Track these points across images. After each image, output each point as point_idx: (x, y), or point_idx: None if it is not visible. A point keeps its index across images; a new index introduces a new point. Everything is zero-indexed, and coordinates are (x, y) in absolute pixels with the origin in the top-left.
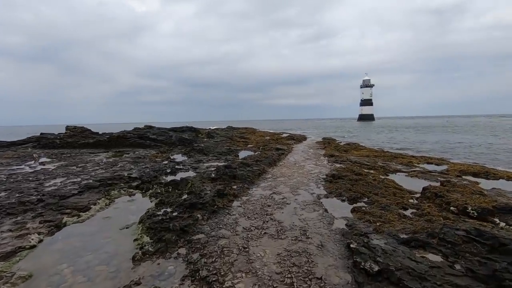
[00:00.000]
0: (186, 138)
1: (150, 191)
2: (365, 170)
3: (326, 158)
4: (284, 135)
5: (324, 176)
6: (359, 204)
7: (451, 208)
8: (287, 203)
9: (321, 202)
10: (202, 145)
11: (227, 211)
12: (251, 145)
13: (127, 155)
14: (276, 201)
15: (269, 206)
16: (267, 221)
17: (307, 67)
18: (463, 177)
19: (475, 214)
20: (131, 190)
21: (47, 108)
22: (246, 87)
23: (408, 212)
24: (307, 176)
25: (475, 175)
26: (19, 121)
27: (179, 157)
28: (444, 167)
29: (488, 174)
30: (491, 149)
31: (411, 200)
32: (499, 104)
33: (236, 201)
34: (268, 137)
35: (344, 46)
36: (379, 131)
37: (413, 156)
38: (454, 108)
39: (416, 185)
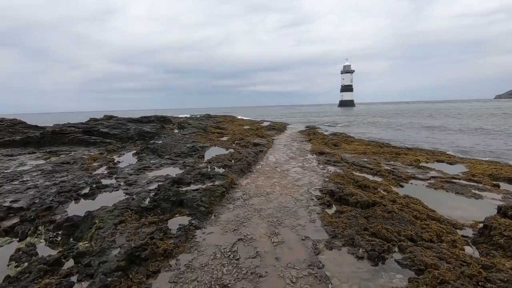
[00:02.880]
0: (148, 131)
1: (28, 239)
2: (370, 178)
3: (315, 156)
4: (265, 123)
5: (318, 194)
6: (390, 266)
7: None
8: (260, 274)
9: (323, 266)
10: (160, 142)
11: None
12: (226, 137)
13: (55, 158)
14: (241, 266)
15: (225, 286)
16: None
17: (286, 53)
18: (502, 183)
19: None
20: None
21: (13, 96)
22: (225, 74)
23: None
24: (293, 193)
25: None
26: None
27: (126, 159)
28: (461, 167)
29: None
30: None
31: (468, 249)
32: (470, 90)
33: (162, 272)
34: (247, 127)
35: (323, 32)
36: (363, 119)
37: (417, 152)
38: (428, 93)
39: (452, 205)
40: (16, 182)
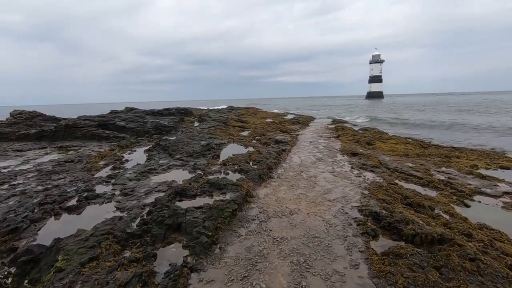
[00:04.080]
0: (165, 125)
1: None
2: (421, 191)
3: (346, 157)
4: (289, 116)
5: (357, 215)
6: None
7: None
8: None
9: None
10: (173, 138)
11: None
12: (247, 132)
13: (64, 154)
14: None
15: None
16: None
17: (313, 42)
18: None
19: None
20: None
21: (50, 87)
22: (250, 65)
23: None
24: (324, 212)
25: None
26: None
27: (136, 157)
28: None
29: None
30: None
31: None
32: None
33: None
34: (270, 120)
35: (351, 19)
36: (396, 111)
37: (469, 153)
38: (465, 84)
39: None
40: (5, 187)
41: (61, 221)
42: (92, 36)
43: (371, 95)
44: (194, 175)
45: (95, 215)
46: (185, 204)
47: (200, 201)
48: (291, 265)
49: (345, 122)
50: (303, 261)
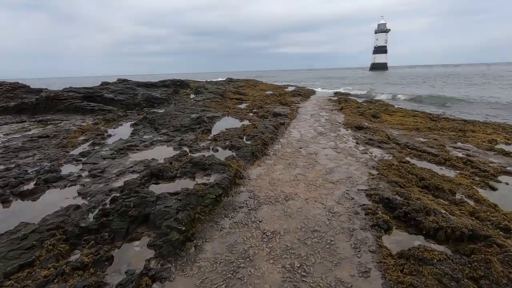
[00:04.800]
0: (157, 97)
1: None
2: (437, 170)
3: (350, 131)
4: (290, 88)
5: (365, 200)
6: None
7: None
8: None
9: None
10: (161, 111)
11: None
12: (245, 104)
13: (38, 130)
14: None
15: None
16: None
17: (315, 10)
18: None
19: None
20: None
21: (45, 60)
22: (251, 35)
23: None
24: (325, 197)
25: None
26: (12, 74)
27: (121, 132)
28: None
29: None
30: None
31: None
32: None
33: None
34: (269, 92)
35: None
36: (402, 83)
37: (484, 126)
38: (476, 55)
39: None
40: None
41: (9, 211)
42: (86, 4)
43: (375, 67)
44: (179, 152)
45: (52, 202)
46: (160, 188)
47: (179, 184)
48: (283, 272)
49: (349, 93)
50: (298, 265)
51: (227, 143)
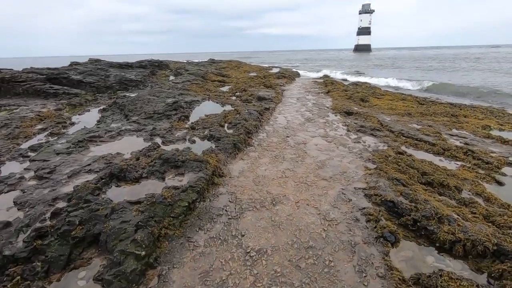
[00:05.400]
0: (131, 79)
1: None
2: (436, 161)
3: (339, 117)
4: (274, 70)
5: (364, 203)
6: None
7: None
8: None
9: None
10: (134, 95)
11: None
12: (227, 87)
13: None
14: None
15: None
16: None
17: None
18: None
19: None
20: None
21: (14, 38)
22: (234, 14)
23: None
24: (318, 199)
25: None
26: None
27: (87, 119)
28: None
29: None
30: None
31: None
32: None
33: None
34: (254, 74)
35: None
36: (385, 65)
37: (472, 110)
38: (462, 37)
39: None
40: None
41: None
42: None
43: (359, 48)
44: (149, 144)
45: None
46: (121, 193)
47: (145, 187)
48: None
49: (334, 75)
50: None
51: (206, 132)
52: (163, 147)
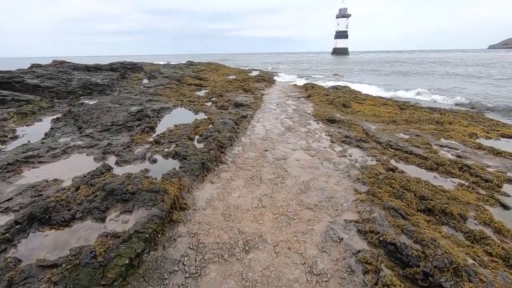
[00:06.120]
0: (97, 83)
1: None
2: (432, 180)
3: (322, 125)
4: (254, 73)
5: (359, 243)
6: None
7: None
8: None
9: None
10: (92, 102)
11: None
12: (204, 91)
13: None
14: None
15: None
16: None
17: None
18: None
19: None
20: None
21: None
22: (215, 16)
23: None
24: (302, 238)
25: None
26: None
27: (36, 131)
28: None
29: None
30: None
31: None
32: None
33: None
34: (232, 77)
35: None
36: (363, 69)
37: (453, 116)
38: (430, 42)
39: None
40: None
41: None
42: None
43: (337, 51)
44: (100, 165)
45: None
46: (40, 244)
47: (76, 233)
48: None
49: (311, 77)
50: None
51: (171, 147)
52: (116, 169)
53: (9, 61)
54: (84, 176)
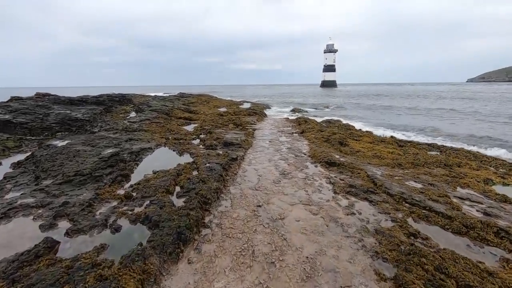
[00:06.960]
0: (77, 118)
1: None
2: (469, 255)
3: (320, 168)
4: (245, 105)
5: None
6: None
7: None
8: None
9: None
10: (60, 144)
11: None
12: (193, 126)
13: None
14: None
15: None
16: None
17: (270, 30)
18: None
19: None
20: None
21: None
22: (206, 51)
23: None
24: None
25: None
26: None
27: None
28: None
29: None
30: None
31: None
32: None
33: None
34: (223, 109)
35: (306, 9)
36: (351, 101)
37: (458, 157)
38: (412, 76)
39: None
40: None
41: None
42: (21, 8)
43: (325, 84)
44: (45, 234)
45: None
46: None
47: None
48: None
49: (303, 110)
50: None
51: (143, 206)
52: (63, 244)
53: (3, 90)
54: (8, 266)
